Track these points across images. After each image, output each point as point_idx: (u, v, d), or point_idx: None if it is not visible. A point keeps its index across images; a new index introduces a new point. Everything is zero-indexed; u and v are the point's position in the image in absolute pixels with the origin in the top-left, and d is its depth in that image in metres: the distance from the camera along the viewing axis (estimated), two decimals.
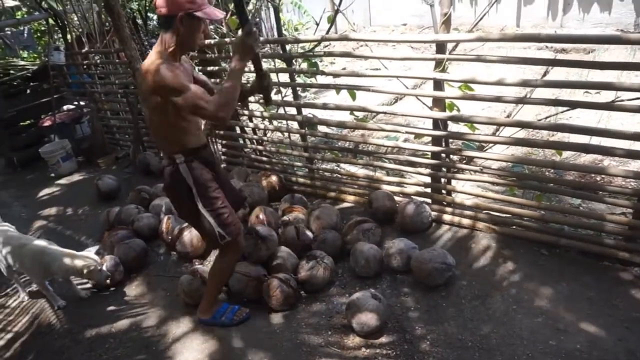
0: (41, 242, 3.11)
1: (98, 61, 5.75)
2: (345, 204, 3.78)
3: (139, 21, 11.66)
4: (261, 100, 2.66)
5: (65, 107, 6.33)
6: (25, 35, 8.72)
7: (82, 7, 6.02)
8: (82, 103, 6.07)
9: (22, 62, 7.96)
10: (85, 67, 5.76)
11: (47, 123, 6.06)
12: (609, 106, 2.51)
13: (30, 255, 2.98)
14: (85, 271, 2.91)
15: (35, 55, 9.06)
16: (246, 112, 4.12)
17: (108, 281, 3.11)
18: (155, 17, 12.53)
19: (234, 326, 2.66)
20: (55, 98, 5.92)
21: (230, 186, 2.80)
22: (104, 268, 3.07)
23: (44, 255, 2.96)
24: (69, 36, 5.91)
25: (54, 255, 2.96)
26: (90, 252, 3.05)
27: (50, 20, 6.11)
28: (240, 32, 2.23)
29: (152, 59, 2.13)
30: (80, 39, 6.04)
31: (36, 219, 4.51)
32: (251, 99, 3.76)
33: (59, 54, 5.72)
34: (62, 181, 5.39)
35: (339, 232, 3.22)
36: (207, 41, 3.92)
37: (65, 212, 4.57)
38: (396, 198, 3.50)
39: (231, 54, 2.30)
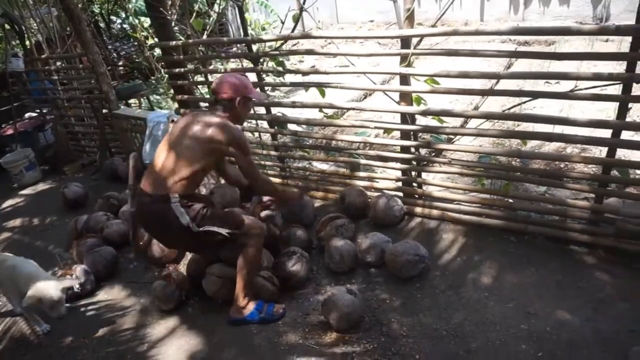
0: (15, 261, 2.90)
1: (60, 66, 5.59)
2: (318, 202, 3.78)
3: (102, 25, 11.44)
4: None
5: (27, 115, 6.13)
6: None
7: (40, 11, 5.84)
8: (44, 110, 5.89)
9: None
10: (46, 73, 5.59)
11: (9, 132, 5.86)
12: (568, 95, 2.59)
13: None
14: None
15: None
16: None
17: (79, 290, 3.03)
18: (118, 20, 12.30)
19: (274, 322, 2.62)
20: (15, 106, 5.73)
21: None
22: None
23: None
24: (27, 42, 5.73)
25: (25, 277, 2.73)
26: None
27: (7, 26, 5.91)
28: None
29: (225, 119, 2.51)
30: (40, 45, 5.85)
31: (1, 232, 4.36)
32: None
33: (17, 60, 5.54)
34: (26, 191, 5.22)
35: (310, 226, 3.24)
36: (172, 43, 3.86)
37: (31, 223, 4.43)
38: (368, 193, 3.53)
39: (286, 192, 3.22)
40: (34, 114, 6.05)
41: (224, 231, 2.47)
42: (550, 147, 4.36)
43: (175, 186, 2.40)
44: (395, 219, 3.29)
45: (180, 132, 2.48)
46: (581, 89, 2.72)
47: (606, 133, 2.58)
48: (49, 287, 2.62)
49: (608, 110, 4.74)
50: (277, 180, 4.03)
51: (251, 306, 2.63)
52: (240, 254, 2.58)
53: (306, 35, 3.35)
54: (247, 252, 2.57)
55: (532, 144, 4.42)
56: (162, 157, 2.47)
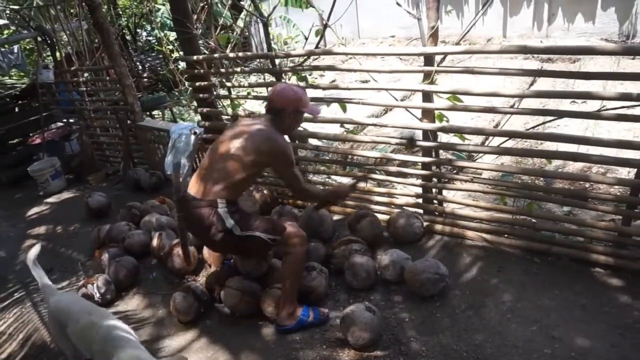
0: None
1: (88, 78, 5.75)
2: (337, 216, 3.77)
3: (128, 37, 11.74)
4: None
5: (53, 125, 6.30)
6: (16, 53, 8.70)
7: (70, 25, 6.03)
8: (71, 120, 6.04)
9: (10, 81, 7.93)
10: (74, 84, 5.75)
11: (37, 141, 6.02)
12: (594, 115, 2.55)
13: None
14: None
15: (23, 73, 9.03)
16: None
17: (99, 300, 3.07)
18: (144, 33, 12.61)
19: (323, 324, 2.67)
20: (44, 116, 5.89)
21: None
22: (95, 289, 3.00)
23: None
24: (57, 54, 5.91)
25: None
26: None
27: (39, 39, 6.11)
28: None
29: (271, 129, 2.53)
30: (70, 57, 6.04)
31: (26, 238, 4.45)
32: None
33: (48, 72, 5.72)
34: (52, 199, 5.33)
35: (329, 241, 3.23)
36: (195, 57, 3.94)
37: (55, 231, 4.51)
38: (388, 209, 3.51)
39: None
40: (61, 124, 6.21)
41: (265, 236, 2.51)
42: (574, 166, 4.28)
43: (222, 192, 2.47)
44: (415, 237, 3.25)
45: (229, 139, 2.53)
46: (608, 109, 2.67)
47: (634, 153, 2.52)
48: None
49: (636, 130, 4.65)
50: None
51: (298, 312, 2.64)
52: (284, 262, 2.63)
53: (329, 52, 3.38)
54: (289, 260, 2.59)
55: (555, 163, 4.36)
56: (210, 163, 2.55)
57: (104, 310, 2.44)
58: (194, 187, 2.56)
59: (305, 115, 2.72)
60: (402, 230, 3.23)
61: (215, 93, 4.05)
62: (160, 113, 7.87)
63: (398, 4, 3.75)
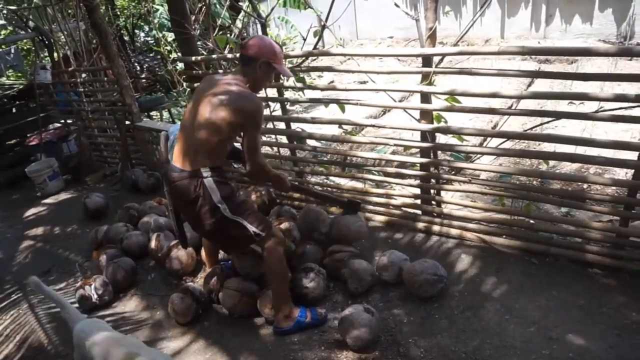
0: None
1: (85, 79, 5.73)
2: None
3: (126, 38, 11.72)
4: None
5: (51, 126, 6.28)
6: (12, 54, 8.68)
7: (68, 25, 6.02)
8: (69, 121, 6.03)
9: (8, 82, 7.91)
10: (72, 85, 5.74)
11: (34, 142, 6.00)
12: (592, 116, 2.55)
13: None
14: None
15: (20, 74, 9.01)
16: None
17: (97, 301, 3.07)
18: (142, 33, 12.59)
19: (320, 325, 2.65)
20: (41, 116, 5.88)
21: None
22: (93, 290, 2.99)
23: None
24: (55, 55, 5.90)
25: None
26: None
27: (37, 39, 6.10)
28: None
29: (243, 87, 2.42)
30: (67, 57, 6.03)
31: (23, 239, 4.44)
32: None
33: (45, 72, 5.70)
34: (49, 200, 5.32)
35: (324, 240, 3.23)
36: (193, 58, 3.93)
37: (52, 232, 4.50)
38: (385, 209, 3.51)
39: None
40: (58, 125, 6.19)
41: (252, 229, 2.46)
42: (571, 167, 4.29)
43: (204, 160, 2.40)
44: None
45: (206, 103, 2.40)
46: (606, 110, 2.68)
47: (631, 154, 2.52)
48: None
49: (633, 131, 4.66)
50: (295, 195, 4.03)
51: (295, 313, 2.63)
52: (265, 266, 2.60)
53: (327, 53, 3.39)
54: (268, 262, 2.57)
55: (551, 164, 4.36)
56: (189, 130, 2.44)
57: (134, 340, 2.37)
58: (177, 159, 2.48)
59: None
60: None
61: None
62: (158, 114, 7.85)
63: (396, 5, 3.76)
